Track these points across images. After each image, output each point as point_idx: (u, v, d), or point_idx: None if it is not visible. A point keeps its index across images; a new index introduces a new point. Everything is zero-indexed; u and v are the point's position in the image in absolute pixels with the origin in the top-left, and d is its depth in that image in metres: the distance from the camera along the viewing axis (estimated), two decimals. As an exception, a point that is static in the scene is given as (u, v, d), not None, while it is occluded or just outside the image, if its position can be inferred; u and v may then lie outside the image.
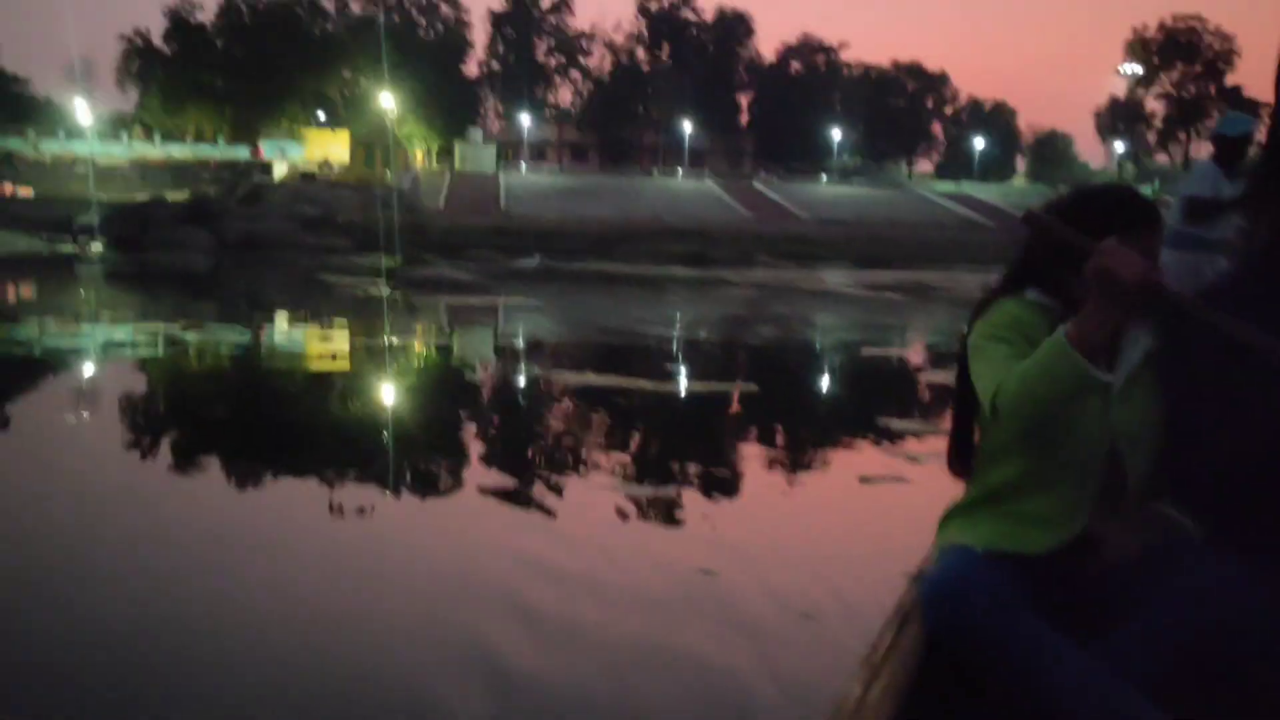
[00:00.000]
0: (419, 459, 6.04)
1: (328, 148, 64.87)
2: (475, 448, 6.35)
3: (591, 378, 8.47)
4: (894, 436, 6.53)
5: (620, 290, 21.82)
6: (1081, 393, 1.66)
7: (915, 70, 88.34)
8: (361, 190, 47.09)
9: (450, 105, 71.29)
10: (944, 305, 19.80)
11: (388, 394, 8.38)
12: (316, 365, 9.75)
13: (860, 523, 4.95)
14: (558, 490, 5.32)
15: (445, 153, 72.87)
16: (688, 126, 75.42)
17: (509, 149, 74.80)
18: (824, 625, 3.44)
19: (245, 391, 7.99)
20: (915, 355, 12.02)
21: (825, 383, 9.90)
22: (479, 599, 3.67)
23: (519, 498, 5.06)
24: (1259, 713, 1.89)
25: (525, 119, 74.76)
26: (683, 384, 8.88)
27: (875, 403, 8.56)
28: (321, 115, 71.69)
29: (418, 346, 11.69)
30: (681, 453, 6.45)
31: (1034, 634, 1.69)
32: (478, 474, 5.63)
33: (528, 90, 75.11)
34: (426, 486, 5.50)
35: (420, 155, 71.76)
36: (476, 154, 70.06)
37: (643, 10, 78.10)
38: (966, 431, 2.02)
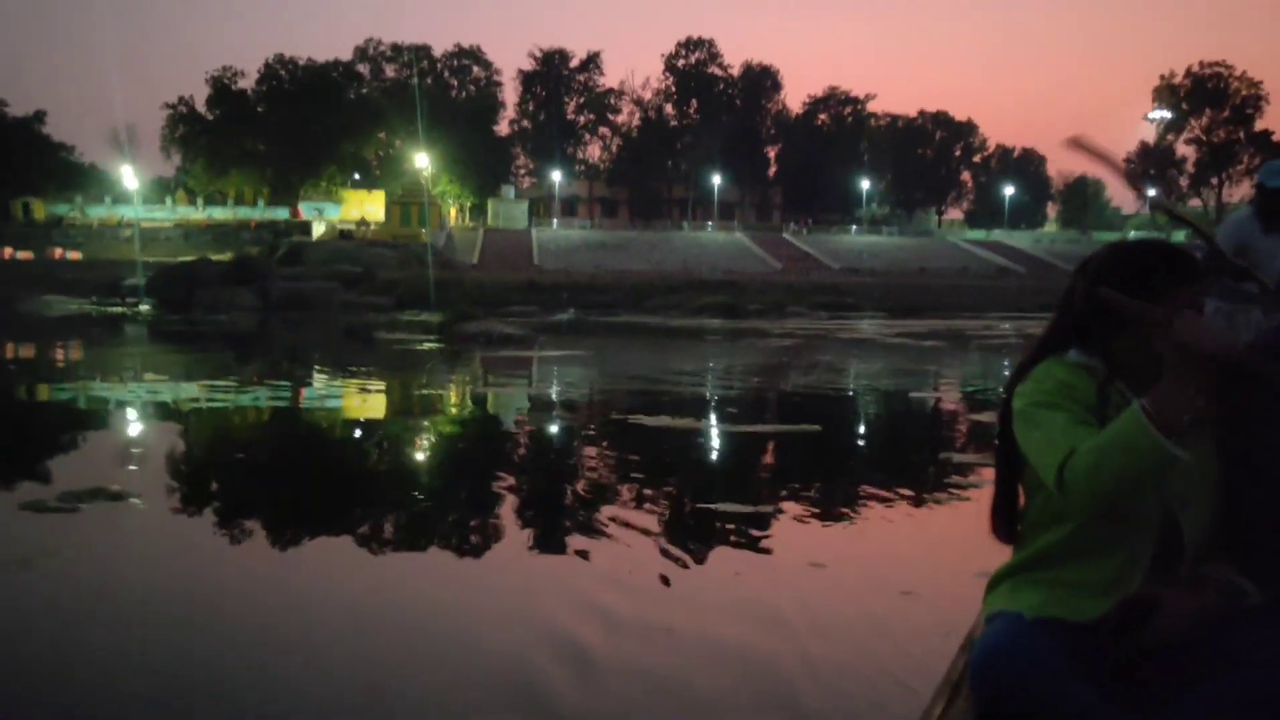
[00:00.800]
0: (539, 498, 6.21)
1: (364, 207, 66.41)
2: (589, 482, 6.56)
3: (665, 420, 8.73)
4: (964, 469, 6.70)
5: (660, 341, 22.05)
6: (1161, 471, 1.59)
7: (943, 119, 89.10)
8: (398, 248, 48.00)
9: (482, 163, 72.72)
10: (982, 351, 19.92)
11: (493, 440, 8.67)
12: (423, 418, 10.03)
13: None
14: (688, 527, 5.45)
15: (478, 209, 74.23)
16: (716, 180, 76.33)
17: (540, 205, 76.03)
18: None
19: (374, 448, 8.22)
20: (967, 397, 12.17)
21: (887, 423, 10.09)
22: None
23: (647, 532, 5.16)
24: None
25: (556, 175, 76.04)
26: (753, 426, 9.10)
27: (939, 439, 8.76)
28: (357, 175, 73.35)
29: (492, 396, 12.04)
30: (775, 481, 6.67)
31: (1086, 705, 1.64)
32: (598, 509, 5.76)
33: (558, 147, 76.48)
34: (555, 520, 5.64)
35: (454, 212, 73.10)
36: (509, 210, 71.32)
37: (670, 67, 79.55)
38: (1011, 495, 1.94)
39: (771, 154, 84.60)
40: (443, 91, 77.86)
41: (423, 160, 66.07)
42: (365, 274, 36.85)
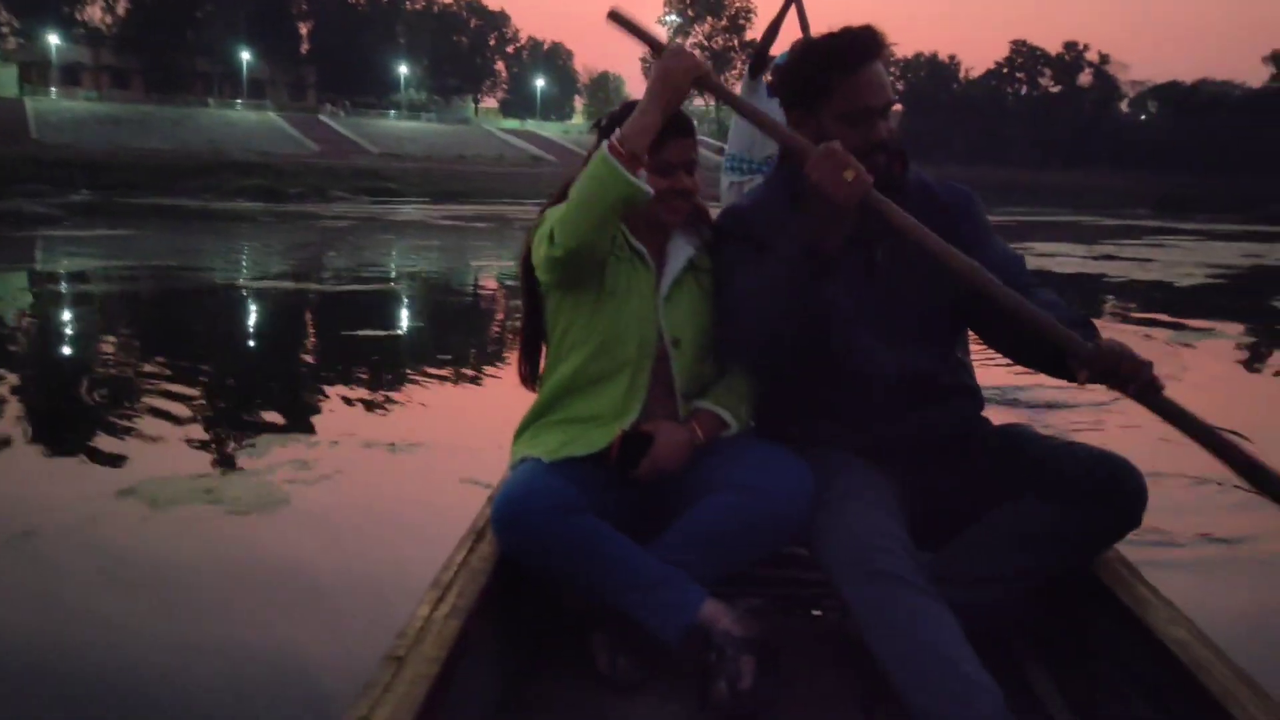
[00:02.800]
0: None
1: None
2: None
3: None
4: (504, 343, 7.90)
5: (214, 225, 21.19)
6: (629, 200, 1.69)
7: (477, 7, 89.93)
8: None
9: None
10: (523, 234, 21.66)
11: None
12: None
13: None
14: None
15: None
16: (245, 55, 71.33)
17: (35, 71, 66.32)
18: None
19: None
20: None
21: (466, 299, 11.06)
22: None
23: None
24: (789, 592, 2.11)
25: (53, 38, 66.55)
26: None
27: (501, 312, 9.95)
28: None
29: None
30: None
31: (599, 535, 1.74)
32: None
33: (51, 3, 66.74)
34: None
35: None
36: (-10, 74, 61.52)
37: (184, -76, 72.01)
38: (535, 341, 2.04)
39: (304, 30, 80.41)
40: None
41: None
42: None
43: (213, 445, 4.71)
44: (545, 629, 1.94)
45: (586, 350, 1.89)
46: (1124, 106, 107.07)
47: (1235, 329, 8.87)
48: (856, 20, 1.84)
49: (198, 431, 4.88)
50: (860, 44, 1.80)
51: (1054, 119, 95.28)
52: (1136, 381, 1.56)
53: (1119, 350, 1.58)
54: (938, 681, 1.48)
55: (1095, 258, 16.75)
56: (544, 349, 2.02)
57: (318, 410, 5.51)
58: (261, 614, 2.92)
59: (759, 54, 4.61)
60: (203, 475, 4.15)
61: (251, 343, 7.97)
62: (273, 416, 5.33)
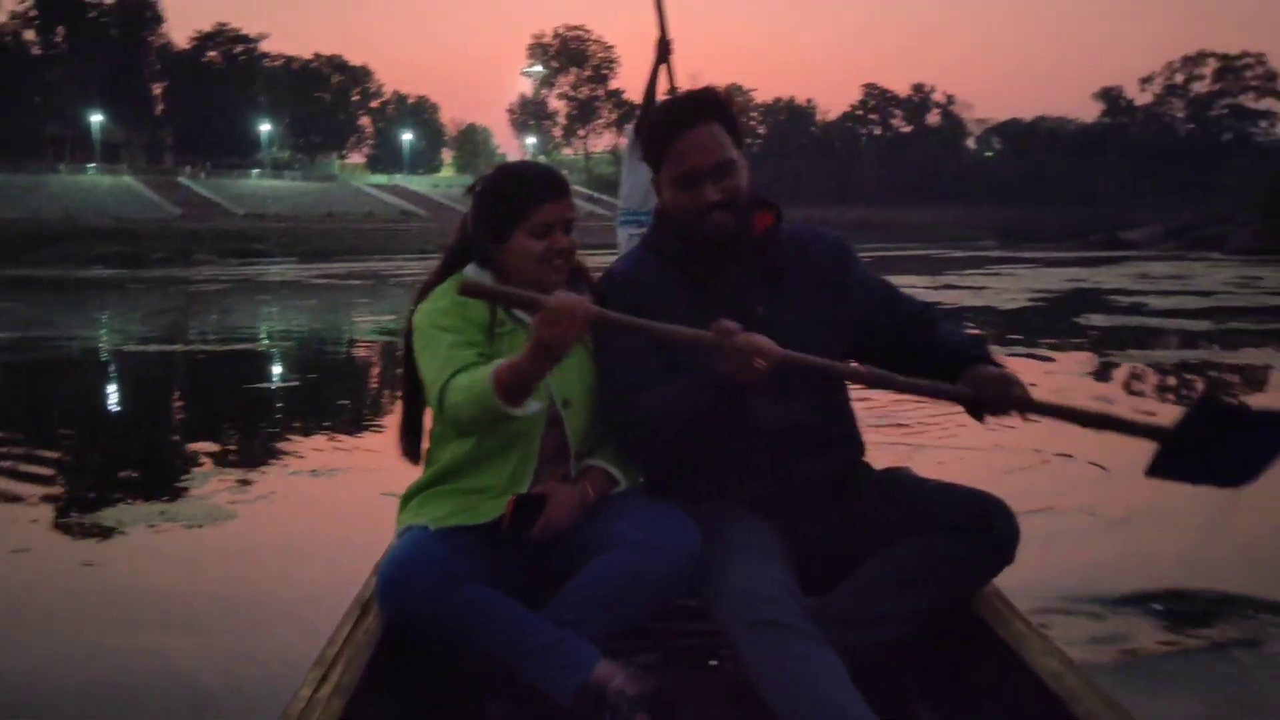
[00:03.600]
0: None
1: None
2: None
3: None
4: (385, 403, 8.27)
5: (83, 292, 20.71)
6: (507, 419, 1.71)
7: (339, 63, 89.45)
8: None
9: None
10: (401, 290, 21.82)
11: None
12: None
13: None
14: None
15: None
16: (97, 117, 69.37)
17: None
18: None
19: None
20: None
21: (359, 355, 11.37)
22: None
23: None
24: (686, 644, 2.09)
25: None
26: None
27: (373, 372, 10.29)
28: None
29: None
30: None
31: (486, 603, 1.73)
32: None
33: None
34: None
35: None
36: None
37: (31, -12, 70.05)
38: (416, 415, 2.02)
39: (158, 91, 78.72)
40: None
41: None
42: None
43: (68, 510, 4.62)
44: (439, 700, 1.90)
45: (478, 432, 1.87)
46: (970, 144, 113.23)
47: (1047, 341, 9.98)
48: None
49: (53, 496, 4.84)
50: (689, 106, 1.85)
51: (906, 158, 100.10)
52: (1012, 400, 1.70)
53: (993, 380, 1.72)
54: None
55: (937, 287, 17.96)
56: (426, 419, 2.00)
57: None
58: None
59: (641, 115, 4.61)
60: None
61: (128, 410, 8.07)
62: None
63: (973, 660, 1.83)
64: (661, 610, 1.86)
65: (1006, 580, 1.88)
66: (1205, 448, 1.64)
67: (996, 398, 1.69)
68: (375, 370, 9.60)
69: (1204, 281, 19.33)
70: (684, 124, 1.82)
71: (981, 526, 1.78)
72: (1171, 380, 8.04)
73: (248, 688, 2.61)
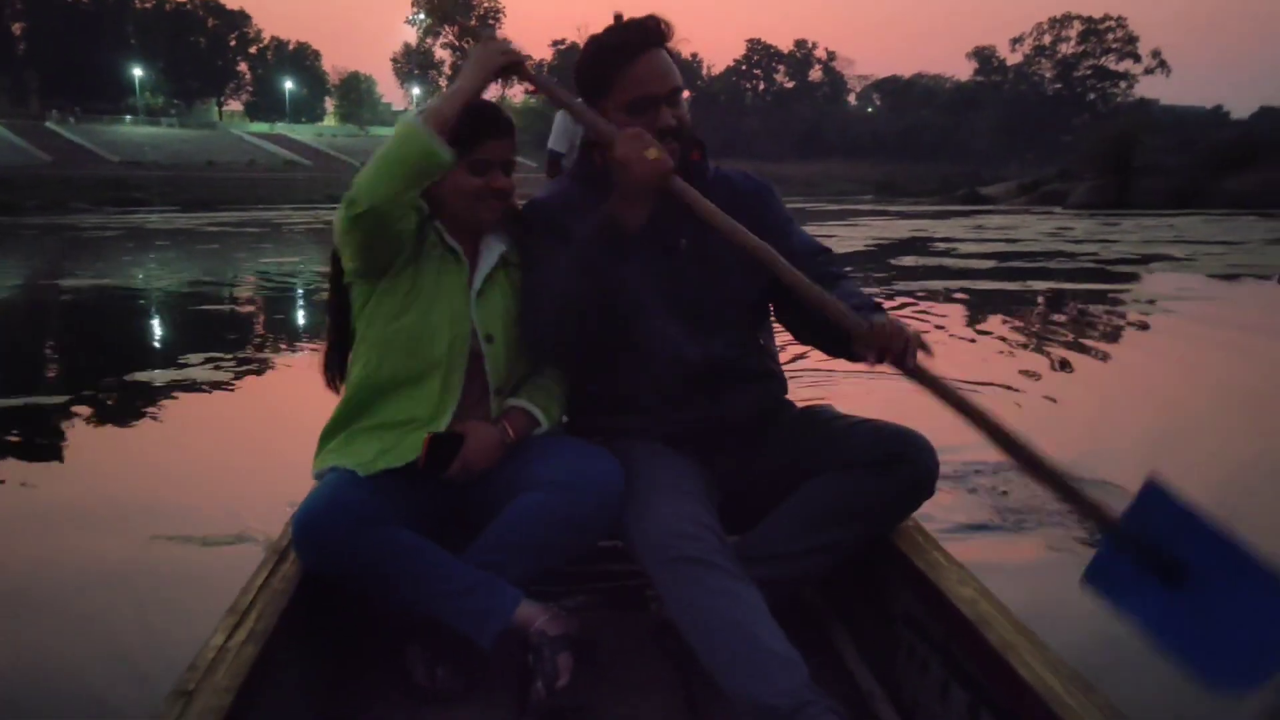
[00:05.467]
0: None
1: None
2: None
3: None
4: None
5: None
6: (431, 167, 1.68)
7: (214, 6, 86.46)
8: None
9: None
10: (300, 236, 21.91)
11: None
12: None
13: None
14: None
15: None
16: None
17: None
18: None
19: None
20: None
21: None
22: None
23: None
24: (615, 585, 2.15)
25: None
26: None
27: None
28: None
29: None
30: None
31: (403, 546, 1.69)
32: None
33: None
34: None
35: None
36: None
37: None
38: (341, 344, 1.95)
39: (19, 31, 75.17)
40: None
41: None
42: None
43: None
44: (358, 647, 1.90)
45: (396, 349, 1.82)
46: (851, 100, 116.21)
47: (856, 275, 11.53)
48: (602, 24, 1.93)
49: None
50: (638, 33, 1.83)
51: (789, 113, 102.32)
52: (902, 358, 1.69)
53: (890, 329, 1.70)
54: (746, 659, 1.53)
55: (797, 237, 19.52)
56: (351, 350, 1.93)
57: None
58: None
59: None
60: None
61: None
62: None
63: (891, 590, 1.85)
64: (586, 552, 1.86)
65: (927, 509, 1.89)
66: (1174, 569, 1.44)
67: (892, 351, 1.70)
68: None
69: (1024, 232, 21.25)
70: (642, 47, 1.82)
71: (901, 461, 1.79)
72: (918, 297, 9.44)
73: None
